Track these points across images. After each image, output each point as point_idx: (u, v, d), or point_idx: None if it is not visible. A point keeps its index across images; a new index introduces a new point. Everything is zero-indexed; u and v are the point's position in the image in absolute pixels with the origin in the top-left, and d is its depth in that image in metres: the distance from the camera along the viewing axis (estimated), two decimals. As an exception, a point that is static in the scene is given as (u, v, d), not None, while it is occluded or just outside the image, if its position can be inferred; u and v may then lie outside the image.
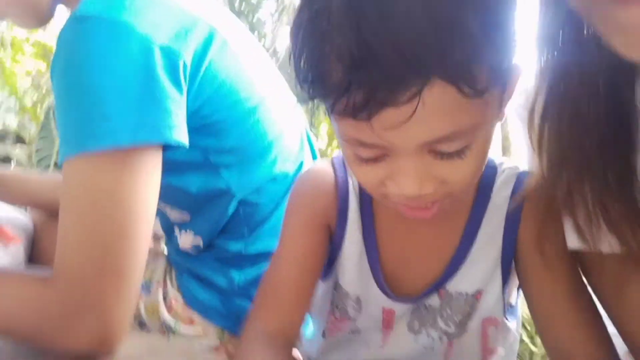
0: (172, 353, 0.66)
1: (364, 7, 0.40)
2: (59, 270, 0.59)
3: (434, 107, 0.42)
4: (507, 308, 0.63)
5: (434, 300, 0.63)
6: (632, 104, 0.46)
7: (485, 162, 0.52)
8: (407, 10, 0.39)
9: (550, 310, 0.58)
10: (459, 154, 0.47)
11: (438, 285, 0.62)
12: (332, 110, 0.45)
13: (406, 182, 0.47)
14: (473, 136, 0.46)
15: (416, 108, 0.42)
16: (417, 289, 0.63)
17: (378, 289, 0.63)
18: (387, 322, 0.66)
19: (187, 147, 0.64)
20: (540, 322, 0.60)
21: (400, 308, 0.64)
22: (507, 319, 0.64)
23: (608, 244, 0.50)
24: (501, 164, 0.62)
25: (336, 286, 0.67)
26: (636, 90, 0.47)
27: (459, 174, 0.48)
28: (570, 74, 0.46)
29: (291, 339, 0.63)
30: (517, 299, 0.68)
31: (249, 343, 0.60)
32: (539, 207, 0.55)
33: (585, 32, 0.44)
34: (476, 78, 0.42)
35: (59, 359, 0.61)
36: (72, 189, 0.60)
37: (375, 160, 0.48)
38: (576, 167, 0.48)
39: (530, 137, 0.51)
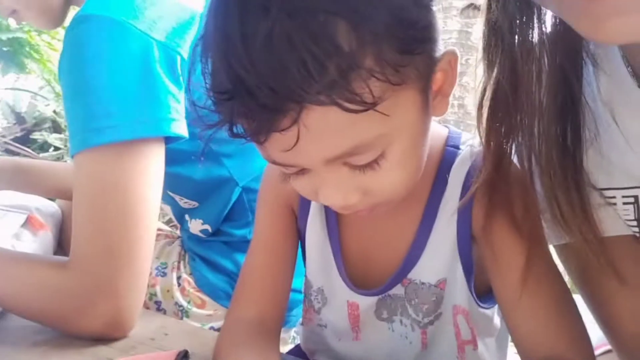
0: (183, 334, 0.69)
1: (233, 41, 0.39)
2: (73, 257, 0.63)
3: (320, 128, 0.42)
4: (482, 297, 0.60)
5: (398, 290, 0.61)
6: (580, 98, 0.46)
7: (419, 165, 0.50)
8: (267, 41, 0.39)
9: (506, 302, 0.55)
10: (372, 165, 0.45)
11: (399, 275, 0.60)
12: (231, 135, 0.45)
13: (328, 194, 0.47)
14: (385, 145, 0.45)
15: (298, 133, 0.41)
16: (380, 280, 0.61)
17: (342, 281, 0.63)
18: (353, 316, 0.64)
19: (187, 138, 0.66)
20: (505, 318, 0.57)
21: (364, 301, 0.62)
22: (483, 307, 0.60)
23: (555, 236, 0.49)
24: (466, 141, 0.59)
25: (305, 278, 0.67)
26: (584, 85, 0.46)
27: (381, 183, 0.47)
28: (520, 60, 0.45)
29: (271, 325, 0.61)
30: None
31: (228, 332, 0.60)
32: (486, 196, 0.53)
33: (536, 19, 0.43)
34: (360, 92, 0.40)
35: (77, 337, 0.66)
36: (81, 181, 0.64)
37: (299, 173, 0.48)
38: (526, 159, 0.48)
39: (478, 128, 0.51)
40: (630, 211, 0.52)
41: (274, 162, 0.47)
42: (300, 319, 0.72)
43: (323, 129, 0.42)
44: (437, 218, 0.58)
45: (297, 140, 0.42)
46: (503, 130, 0.50)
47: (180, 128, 0.65)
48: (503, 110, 0.49)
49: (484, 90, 0.50)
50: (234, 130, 0.44)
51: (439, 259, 0.58)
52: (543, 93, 0.47)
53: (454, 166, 0.57)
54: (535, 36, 0.44)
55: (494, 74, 0.49)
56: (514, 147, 0.52)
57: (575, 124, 0.47)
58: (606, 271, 0.51)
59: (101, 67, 0.61)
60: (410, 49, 0.42)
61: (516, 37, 0.46)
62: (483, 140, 0.52)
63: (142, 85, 0.62)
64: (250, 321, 0.60)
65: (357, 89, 0.40)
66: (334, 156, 0.44)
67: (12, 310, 0.68)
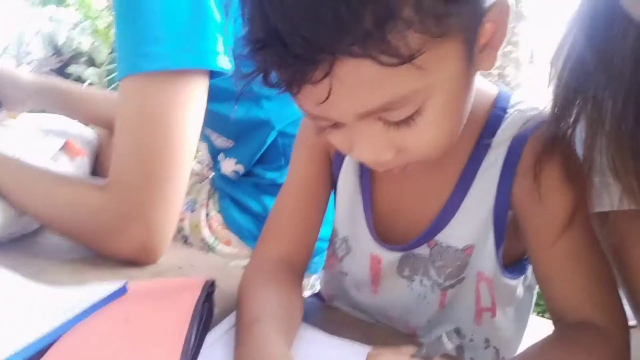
0: (209, 267, 0.71)
1: None
2: (110, 180, 0.65)
3: (352, 82, 0.40)
4: (507, 267, 0.59)
5: (423, 250, 0.60)
6: None
7: (458, 123, 0.48)
8: None
9: (542, 261, 0.53)
10: (407, 121, 0.44)
11: (427, 236, 0.59)
12: (265, 84, 0.44)
13: (362, 150, 0.46)
14: (422, 101, 0.43)
15: (331, 86, 0.40)
16: (406, 238, 0.60)
17: (368, 233, 0.62)
18: (375, 269, 0.64)
19: (230, 74, 0.66)
20: (539, 282, 0.56)
21: (387, 256, 0.62)
22: (507, 277, 0.59)
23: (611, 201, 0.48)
24: (516, 104, 0.56)
25: (333, 223, 0.67)
26: None
27: (416, 141, 0.46)
28: (605, 21, 0.43)
29: (296, 267, 0.61)
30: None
31: (253, 269, 0.60)
32: (540, 155, 0.51)
33: None
34: (396, 45, 0.38)
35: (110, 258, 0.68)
36: (124, 106, 0.64)
37: (333, 127, 0.47)
38: (593, 115, 0.46)
39: (550, 73, 0.48)
40: None
41: (308, 114, 0.46)
42: (323, 265, 0.73)
43: (356, 82, 0.41)
44: (474, 182, 0.56)
45: (329, 94, 0.41)
46: (576, 87, 0.48)
47: (225, 63, 0.65)
48: (579, 69, 0.47)
49: (561, 45, 0.47)
50: (268, 79, 0.44)
51: (470, 225, 0.57)
52: (626, 54, 0.44)
53: (499, 130, 0.55)
54: None
55: (575, 31, 0.46)
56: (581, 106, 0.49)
57: None
58: None
59: None
60: None
61: None
62: (552, 94, 0.49)
63: (193, 15, 0.61)
64: (277, 260, 0.60)
65: (393, 41, 0.38)
66: (367, 111, 0.43)
67: (48, 227, 0.70)
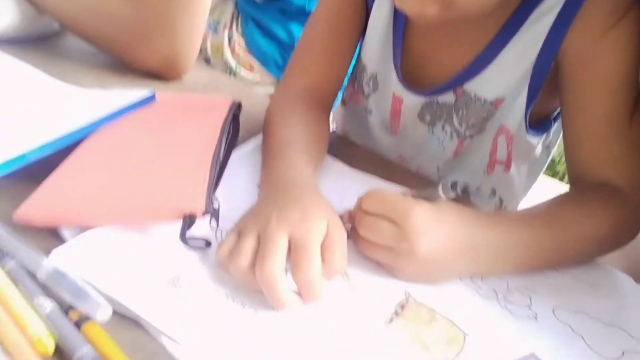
0: (233, 91, 0.70)
1: None
2: None
3: None
4: (531, 124, 0.58)
5: (448, 97, 0.59)
6: None
7: None
8: None
9: (582, 128, 0.52)
10: None
11: (454, 82, 0.57)
12: None
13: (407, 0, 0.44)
14: None
15: None
16: (433, 85, 0.59)
17: (394, 71, 0.61)
18: (395, 110, 0.64)
19: None
20: (567, 139, 0.54)
21: (408, 98, 0.61)
22: (530, 135, 0.59)
23: None
24: None
25: (358, 58, 0.65)
26: None
27: None
28: None
29: (324, 98, 0.61)
30: (556, 121, 0.63)
31: (280, 97, 0.59)
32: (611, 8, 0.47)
33: None
34: None
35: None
36: None
37: None
38: None
39: None
40: None
41: None
42: (340, 100, 0.72)
43: None
44: (520, 31, 0.52)
45: None
46: None
47: None
48: None
49: None
50: None
51: (506, 76, 0.55)
52: None
53: None
54: None
55: None
56: None
57: None
58: None
59: None
60: None
61: None
62: None
63: None
64: (304, 91, 0.59)
65: None
66: None
67: (70, 29, 0.68)
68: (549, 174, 1.80)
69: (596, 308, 0.43)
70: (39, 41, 0.70)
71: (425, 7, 0.44)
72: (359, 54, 0.65)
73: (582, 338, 0.39)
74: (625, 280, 0.47)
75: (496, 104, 0.57)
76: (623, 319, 0.42)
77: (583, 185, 0.52)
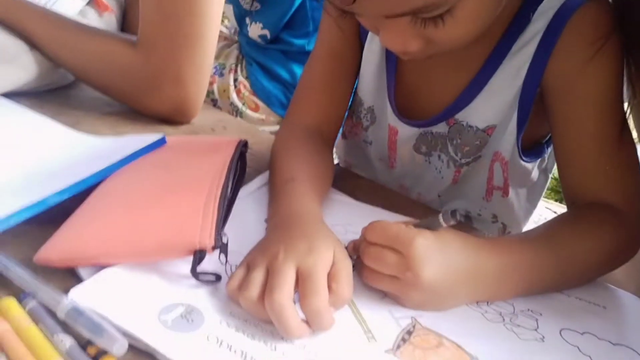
0: (240, 130, 0.73)
1: None
2: (140, 39, 0.65)
3: None
4: (525, 150, 0.59)
5: (441, 128, 0.61)
6: None
7: (491, 18, 0.46)
8: None
9: (572, 151, 0.53)
10: (436, 20, 0.42)
11: (447, 113, 0.59)
12: None
13: (388, 39, 0.46)
14: (453, 1, 0.41)
15: None
16: (427, 117, 0.61)
17: (389, 103, 0.63)
18: (391, 141, 0.65)
19: None
20: (559, 163, 0.55)
21: (403, 130, 0.63)
22: (523, 160, 0.60)
23: None
24: None
25: (355, 92, 0.67)
26: None
27: (445, 35, 0.44)
28: None
29: (327, 134, 0.62)
30: (549, 145, 0.64)
31: (284, 136, 0.61)
32: (585, 33, 0.49)
33: None
34: None
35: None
36: None
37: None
38: None
39: None
40: None
41: (334, 6, 0.44)
42: (340, 133, 0.74)
43: None
44: (505, 60, 0.54)
45: None
46: None
47: None
48: None
49: None
50: None
51: (495, 104, 0.57)
52: None
53: (542, 4, 0.52)
54: None
55: None
56: None
57: None
58: None
59: None
60: None
61: None
62: None
63: None
64: (307, 128, 0.61)
65: None
66: (397, 14, 0.42)
67: (84, 80, 0.72)
68: (557, 199, 1.79)
69: (603, 328, 0.43)
70: (55, 91, 0.73)
71: (407, 44, 0.46)
72: (356, 88, 0.68)
73: (590, 358, 0.40)
74: (631, 300, 0.48)
75: (488, 131, 0.59)
76: (630, 338, 0.42)
77: (579, 206, 0.53)
